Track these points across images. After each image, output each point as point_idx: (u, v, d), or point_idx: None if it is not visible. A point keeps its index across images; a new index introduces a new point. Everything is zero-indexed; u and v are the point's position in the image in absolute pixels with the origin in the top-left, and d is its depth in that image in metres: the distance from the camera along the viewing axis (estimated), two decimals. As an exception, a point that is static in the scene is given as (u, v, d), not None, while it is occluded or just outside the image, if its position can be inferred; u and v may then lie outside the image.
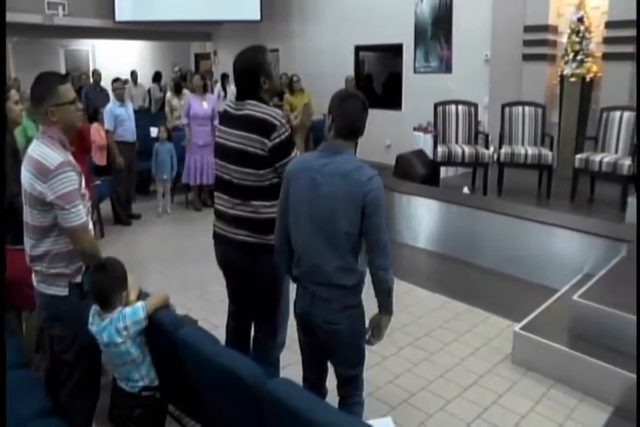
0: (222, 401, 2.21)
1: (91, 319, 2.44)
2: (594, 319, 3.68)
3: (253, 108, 2.64)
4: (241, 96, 2.74)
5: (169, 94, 9.23)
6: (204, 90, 7.35)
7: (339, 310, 2.33)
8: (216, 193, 2.86)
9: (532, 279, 4.99)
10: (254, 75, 2.67)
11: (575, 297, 3.84)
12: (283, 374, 3.11)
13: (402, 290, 4.91)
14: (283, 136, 2.58)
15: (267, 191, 2.64)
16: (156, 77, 12.93)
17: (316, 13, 11.16)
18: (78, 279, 2.53)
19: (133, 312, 2.38)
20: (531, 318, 3.95)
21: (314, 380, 2.61)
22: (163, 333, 2.36)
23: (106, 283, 2.41)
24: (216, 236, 2.87)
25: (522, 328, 3.82)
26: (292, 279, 2.55)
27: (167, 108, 9.00)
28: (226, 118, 2.77)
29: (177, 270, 5.40)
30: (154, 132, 7.94)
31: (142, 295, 2.60)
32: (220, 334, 3.02)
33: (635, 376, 3.18)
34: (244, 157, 2.62)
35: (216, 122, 6.79)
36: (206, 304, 4.37)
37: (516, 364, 3.76)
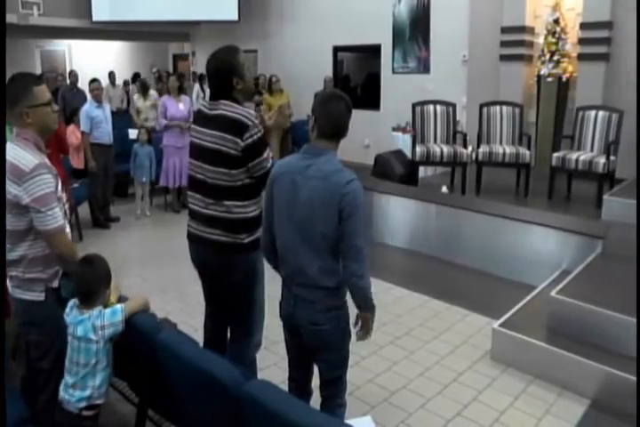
0: (201, 404, 2.20)
1: (68, 310, 2.40)
2: (571, 315, 3.73)
3: (227, 109, 2.66)
4: (214, 96, 2.75)
5: (135, 96, 9.12)
6: (180, 91, 7.30)
7: (322, 311, 2.34)
8: (190, 193, 2.86)
9: (510, 277, 5.03)
10: (227, 75, 2.68)
11: (553, 294, 3.88)
12: (263, 375, 3.08)
13: (381, 289, 4.93)
14: (255, 136, 2.60)
15: (239, 191, 2.66)
16: (135, 78, 12.82)
17: (295, 14, 11.15)
18: (55, 284, 2.49)
19: (112, 313, 2.35)
20: (509, 315, 3.97)
21: (299, 380, 2.62)
22: (141, 337, 2.34)
23: (92, 277, 2.37)
24: (190, 236, 2.88)
25: (501, 325, 3.85)
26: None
27: (132, 110, 8.91)
28: (200, 118, 2.79)
29: (156, 273, 5.36)
30: (132, 133, 7.87)
31: (121, 299, 2.58)
32: (200, 337, 3.04)
33: (610, 369, 3.26)
34: (218, 156, 2.63)
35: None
36: (186, 307, 4.35)
37: (495, 360, 3.79)
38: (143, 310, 2.48)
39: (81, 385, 2.38)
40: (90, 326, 2.31)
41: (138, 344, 2.39)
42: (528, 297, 4.27)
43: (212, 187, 2.68)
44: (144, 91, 8.75)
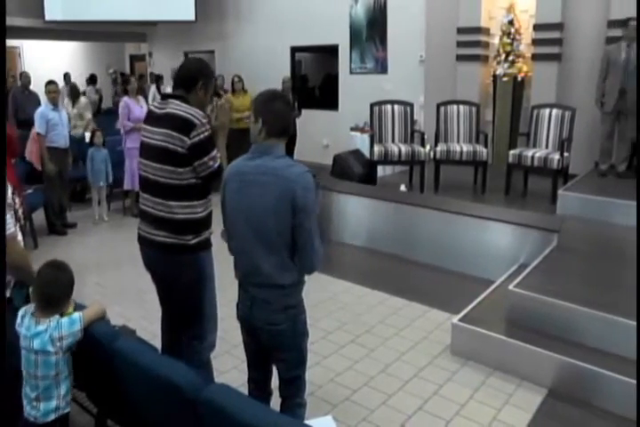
0: (161, 411, 2.17)
1: (19, 320, 2.28)
2: (529, 308, 3.78)
3: (175, 107, 2.67)
4: (165, 96, 2.81)
5: (65, 100, 8.81)
6: (139, 91, 7.19)
7: (279, 310, 2.34)
8: (141, 193, 2.86)
9: (469, 272, 5.08)
10: (195, 76, 2.74)
11: (510, 287, 3.93)
12: (223, 379, 3.10)
13: (341, 288, 4.95)
14: (202, 135, 2.62)
15: (186, 191, 2.66)
16: (91, 80, 12.57)
17: (252, 14, 11.10)
18: (7, 294, 2.39)
19: (71, 323, 2.25)
20: (468, 310, 4.01)
21: (259, 381, 2.61)
22: (98, 346, 2.28)
23: (59, 282, 2.28)
24: (140, 238, 2.87)
25: (460, 320, 3.88)
26: None
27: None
28: (150, 117, 2.81)
29: (115, 279, 5.25)
30: (88, 137, 7.69)
31: (78, 307, 2.49)
32: (159, 342, 3.02)
33: (566, 358, 3.33)
34: (165, 154, 2.64)
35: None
36: (145, 313, 4.28)
37: (455, 355, 3.82)
38: (100, 318, 2.40)
39: (45, 397, 2.28)
40: (47, 339, 2.21)
41: (95, 353, 2.32)
42: (486, 292, 4.32)
43: (160, 185, 2.69)
44: (74, 96, 8.51)
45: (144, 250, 2.88)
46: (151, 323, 3.80)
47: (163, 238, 2.72)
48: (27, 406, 2.30)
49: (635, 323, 3.35)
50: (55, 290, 2.27)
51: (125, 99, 7.10)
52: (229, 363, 3.38)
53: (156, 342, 2.82)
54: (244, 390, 2.59)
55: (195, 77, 2.74)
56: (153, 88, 11.19)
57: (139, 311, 4.39)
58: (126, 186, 7.17)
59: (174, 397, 1.96)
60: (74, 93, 8.56)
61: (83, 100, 8.70)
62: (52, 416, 2.29)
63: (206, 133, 2.64)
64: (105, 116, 11.06)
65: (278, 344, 2.42)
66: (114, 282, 5.19)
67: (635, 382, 3.05)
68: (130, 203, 7.40)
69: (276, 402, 2.58)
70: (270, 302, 2.33)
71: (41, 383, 2.26)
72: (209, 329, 2.92)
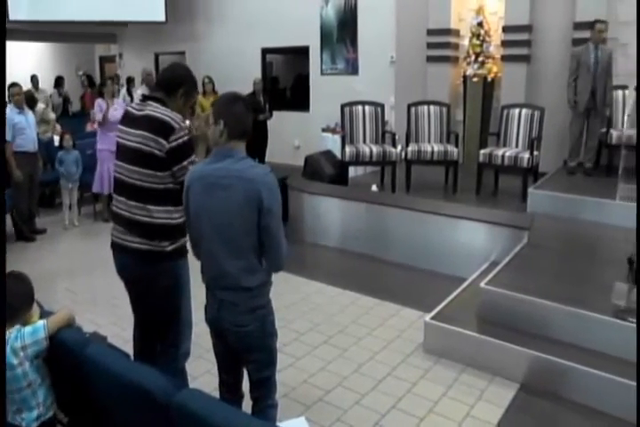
0: (133, 418, 2.15)
1: None
2: (500, 304, 3.80)
3: (154, 110, 2.64)
4: (145, 97, 2.76)
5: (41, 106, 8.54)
6: (112, 95, 7.08)
7: (246, 312, 2.34)
8: (114, 195, 2.81)
9: (441, 270, 5.09)
10: (180, 82, 2.72)
11: (482, 284, 3.96)
12: (196, 383, 3.07)
13: (314, 289, 4.92)
14: (180, 140, 2.58)
15: (162, 195, 2.63)
16: (58, 82, 12.36)
17: (222, 15, 11.02)
18: None
19: (33, 331, 2.19)
20: (440, 308, 4.02)
21: (230, 384, 2.59)
22: (67, 353, 2.23)
23: (18, 292, 2.24)
24: (113, 245, 2.81)
25: (432, 318, 3.89)
26: None
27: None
28: (127, 119, 2.77)
29: (85, 286, 5.14)
30: (57, 140, 7.54)
31: (46, 314, 2.43)
32: (132, 349, 2.96)
33: (537, 352, 3.36)
34: (140, 156, 2.60)
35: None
36: (117, 319, 4.22)
37: (428, 353, 3.82)
38: (68, 325, 2.34)
39: (26, 407, 2.24)
40: (9, 351, 2.14)
41: (64, 361, 2.27)
42: (458, 289, 4.33)
43: (135, 188, 2.64)
44: (30, 105, 8.33)
45: (118, 256, 2.81)
46: (123, 329, 3.78)
47: (138, 245, 2.66)
48: (11, 418, 2.26)
49: (600, 315, 3.43)
50: (13, 301, 2.22)
51: (99, 100, 7.00)
52: (202, 367, 3.35)
53: (129, 348, 2.77)
54: (217, 394, 2.58)
55: (178, 83, 2.71)
56: (123, 90, 11.05)
57: (110, 318, 4.32)
58: (95, 188, 7.04)
59: (146, 402, 1.94)
60: (30, 100, 8.33)
61: (40, 105, 8.49)
62: (35, 425, 2.26)
63: (185, 138, 2.61)
64: (74, 120, 10.89)
65: (247, 346, 2.41)
66: (85, 288, 5.08)
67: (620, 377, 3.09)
68: (101, 207, 7.27)
69: (247, 405, 2.55)
70: (238, 304, 2.33)
71: (17, 396, 2.21)
72: (184, 337, 2.89)
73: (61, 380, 2.36)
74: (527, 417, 3.18)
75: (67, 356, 2.24)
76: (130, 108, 2.79)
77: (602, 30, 6.10)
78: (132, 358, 2.84)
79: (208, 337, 2.53)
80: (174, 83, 2.72)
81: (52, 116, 8.51)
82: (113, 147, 6.61)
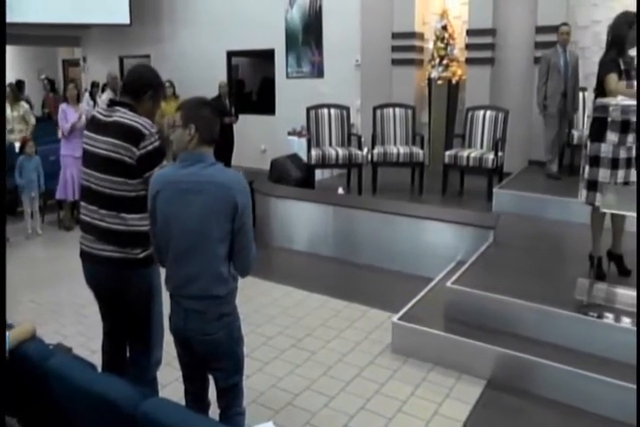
0: None
1: None
2: (466, 303, 3.83)
3: (123, 115, 2.58)
4: (113, 102, 2.70)
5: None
6: (78, 99, 6.97)
7: (213, 320, 2.30)
8: (82, 203, 2.74)
9: (408, 271, 5.10)
10: (145, 84, 2.66)
11: (448, 284, 3.98)
12: (165, 392, 3.02)
13: (281, 293, 4.89)
14: (151, 146, 2.53)
15: (134, 202, 2.57)
16: (18, 86, 12.10)
17: (187, 18, 10.96)
18: None
19: None
20: (407, 308, 4.02)
21: (196, 393, 2.55)
22: (30, 366, 2.16)
23: None
24: (82, 254, 2.74)
25: (399, 319, 3.89)
26: None
27: None
28: (94, 125, 2.69)
29: (50, 296, 5.00)
30: (18, 146, 7.34)
31: (7, 327, 2.34)
32: (99, 358, 2.90)
33: (503, 349, 3.40)
34: (110, 164, 2.54)
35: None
36: (84, 329, 4.13)
37: (395, 353, 3.82)
38: (30, 338, 2.27)
39: None
40: None
41: (26, 374, 2.20)
42: (425, 289, 4.34)
43: (107, 197, 2.58)
44: (15, 98, 8.16)
45: (88, 266, 2.74)
46: (90, 339, 3.71)
47: (109, 253, 2.60)
48: None
49: (563, 311, 3.49)
50: None
51: (63, 105, 6.87)
52: (171, 375, 3.26)
53: (95, 358, 2.71)
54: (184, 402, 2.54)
55: (145, 85, 2.64)
56: (86, 96, 10.87)
57: (77, 328, 4.24)
58: (59, 195, 6.89)
59: (112, 413, 1.89)
60: (15, 95, 8.18)
61: (24, 104, 8.32)
62: None
63: (156, 144, 2.55)
64: (36, 125, 10.65)
65: (215, 354, 2.37)
66: (50, 299, 4.94)
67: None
68: (64, 215, 7.12)
69: (214, 413, 2.52)
70: (204, 313, 2.29)
71: None
72: (156, 345, 2.83)
73: (24, 394, 2.29)
74: (494, 413, 3.21)
75: (29, 368, 2.17)
76: (97, 114, 2.72)
77: (567, 32, 6.20)
78: (101, 368, 2.81)
79: (176, 344, 2.50)
80: (141, 86, 2.65)
81: (33, 120, 8.30)
82: (76, 152, 6.63)
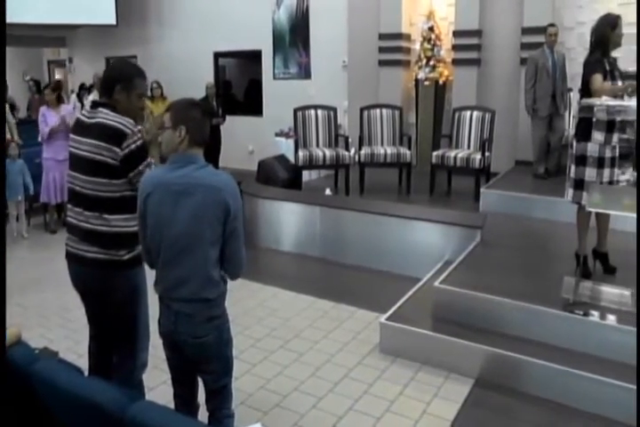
0: None
1: None
2: (454, 302, 3.84)
3: (105, 117, 2.56)
4: (95, 104, 2.68)
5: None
6: (59, 102, 6.88)
7: (203, 322, 2.29)
8: (69, 206, 2.73)
9: (396, 271, 5.10)
10: (112, 80, 2.63)
11: (436, 284, 3.98)
12: (153, 394, 3.00)
13: (269, 294, 4.87)
14: (134, 145, 2.51)
15: (119, 203, 2.56)
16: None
17: (174, 19, 10.92)
18: None
19: None
20: (395, 308, 4.03)
21: (185, 396, 2.54)
22: (15, 371, 2.13)
23: None
24: (68, 255, 2.73)
25: (387, 319, 3.89)
26: None
27: None
28: (78, 127, 2.68)
29: (37, 300, 4.95)
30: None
31: None
32: (86, 362, 2.88)
33: (491, 348, 3.41)
34: (94, 165, 2.53)
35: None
36: (70, 333, 4.09)
37: (384, 353, 3.82)
38: (15, 342, 2.24)
39: None
40: None
41: (11, 380, 2.15)
42: (413, 289, 4.34)
43: (91, 199, 2.57)
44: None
45: (73, 267, 2.72)
46: (76, 343, 3.67)
47: (94, 255, 2.59)
48: None
49: (550, 309, 3.50)
50: None
51: (43, 109, 6.82)
52: (158, 378, 3.26)
53: (82, 361, 2.69)
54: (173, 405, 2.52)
55: (112, 81, 2.62)
56: (73, 97, 10.80)
57: (63, 331, 4.20)
58: (42, 198, 6.83)
59: (99, 417, 1.87)
60: None
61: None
62: None
63: (138, 143, 2.54)
64: (21, 127, 10.56)
65: (205, 356, 2.37)
66: (36, 302, 4.89)
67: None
68: (49, 218, 7.06)
69: (203, 416, 2.51)
70: (194, 316, 2.28)
71: None
72: (142, 347, 2.82)
73: (9, 400, 2.23)
74: (482, 411, 3.21)
75: (14, 374, 2.13)
76: (80, 116, 2.70)
77: (555, 33, 6.24)
78: (88, 372, 2.79)
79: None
80: (110, 82, 2.63)
81: (12, 119, 8.22)
82: (59, 155, 6.55)
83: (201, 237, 2.21)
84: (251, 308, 4.55)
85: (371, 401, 3.28)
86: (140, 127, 2.63)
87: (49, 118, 6.64)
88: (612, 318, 3.40)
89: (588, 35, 4.05)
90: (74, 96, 10.83)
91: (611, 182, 3.70)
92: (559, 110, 6.27)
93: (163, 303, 2.36)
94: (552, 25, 6.31)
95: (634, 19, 6.45)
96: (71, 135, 2.69)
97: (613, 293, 3.70)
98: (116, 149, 2.48)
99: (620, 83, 3.82)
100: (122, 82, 2.62)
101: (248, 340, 4.00)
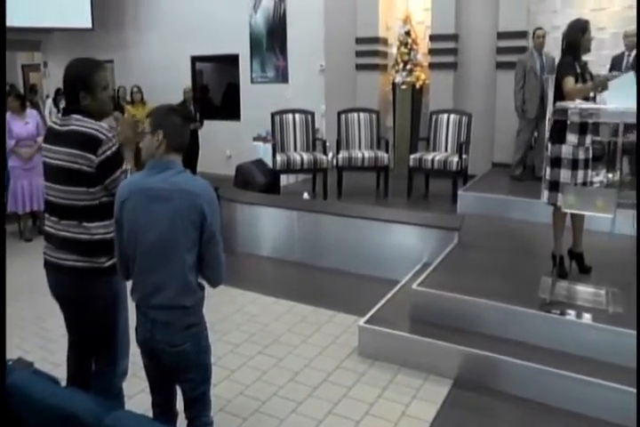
0: None
1: None
2: (432, 304, 3.84)
3: (78, 123, 2.50)
4: (66, 111, 2.61)
5: None
6: (23, 108, 6.75)
7: (181, 330, 2.27)
8: (45, 215, 2.69)
9: (375, 274, 5.09)
10: (74, 88, 2.55)
11: (414, 286, 3.98)
12: (132, 403, 2.96)
13: (247, 300, 4.84)
14: (109, 151, 2.47)
15: (97, 211, 2.52)
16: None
17: (151, 23, 10.87)
18: None
19: None
20: (374, 311, 4.02)
21: (163, 404, 2.51)
22: None
23: None
24: (46, 264, 2.68)
25: (366, 322, 3.88)
26: None
27: None
28: (50, 135, 2.62)
29: (11, 310, 4.78)
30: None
31: None
32: (63, 372, 2.83)
33: (468, 348, 3.43)
34: (69, 174, 2.48)
35: (40, 139, 6.27)
36: (46, 342, 4.02)
37: (362, 356, 3.80)
38: None
39: None
40: None
41: None
42: (391, 292, 4.34)
43: (68, 208, 2.53)
44: None
45: (52, 276, 2.67)
46: (52, 353, 3.61)
47: (73, 262, 2.55)
48: None
49: (527, 309, 3.54)
50: None
51: (7, 116, 6.68)
52: (137, 386, 3.19)
53: (59, 371, 2.64)
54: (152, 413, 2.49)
55: (74, 88, 2.53)
56: (49, 102, 10.68)
57: (39, 342, 4.12)
58: (10, 208, 6.67)
59: None
60: None
61: None
62: None
63: (114, 148, 2.49)
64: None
65: (183, 364, 2.34)
66: (11, 312, 4.73)
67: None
68: (23, 226, 6.94)
69: (182, 423, 2.47)
70: (172, 323, 2.25)
71: None
72: (122, 355, 2.78)
73: None
74: (461, 411, 3.22)
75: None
76: (52, 124, 2.64)
77: (542, 36, 6.32)
78: (67, 380, 2.75)
79: (142, 354, 2.46)
80: (71, 91, 2.56)
81: None
82: (25, 164, 6.41)
83: (177, 243, 2.19)
84: (229, 314, 4.52)
85: (350, 405, 3.27)
86: (113, 133, 2.60)
87: (14, 126, 6.50)
88: (587, 317, 3.45)
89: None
90: (49, 101, 10.71)
91: (585, 184, 3.75)
92: (546, 112, 6.31)
93: (140, 311, 2.33)
94: (540, 28, 6.41)
95: (604, 24, 6.63)
96: (44, 145, 2.63)
97: (589, 292, 3.74)
98: (92, 156, 2.44)
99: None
100: (83, 86, 2.53)
101: (227, 346, 3.96)
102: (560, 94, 3.84)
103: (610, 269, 3.67)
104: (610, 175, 4.06)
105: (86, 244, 2.54)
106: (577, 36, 3.86)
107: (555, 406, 3.18)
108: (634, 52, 5.89)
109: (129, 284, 2.43)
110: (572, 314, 3.49)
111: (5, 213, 5.78)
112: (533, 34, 6.39)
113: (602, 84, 3.71)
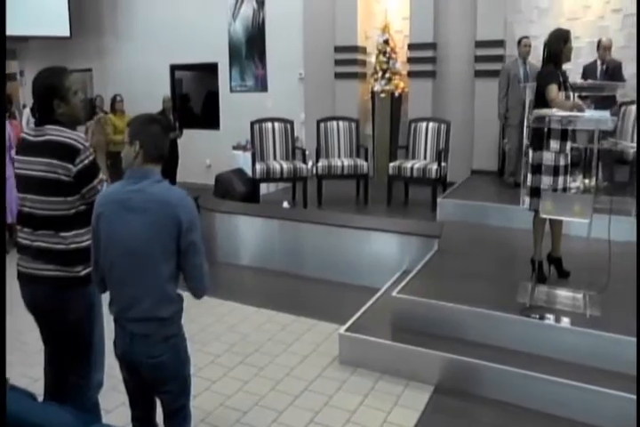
0: None
1: None
2: (412, 311, 3.85)
3: (54, 133, 2.48)
4: (39, 121, 2.58)
5: None
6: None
7: (159, 342, 2.24)
8: (18, 226, 2.66)
9: (356, 282, 5.09)
10: (47, 97, 2.52)
11: (394, 294, 3.99)
12: (111, 417, 2.92)
13: (227, 310, 4.81)
14: (87, 160, 2.46)
15: (73, 220, 2.50)
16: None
17: (129, 31, 10.79)
18: None
19: None
20: (354, 319, 4.02)
21: (143, 418, 2.47)
22: None
23: None
24: (20, 276, 2.64)
25: (347, 330, 3.88)
26: None
27: None
28: (24, 147, 2.58)
29: None
30: None
31: None
32: (41, 387, 2.77)
33: (449, 354, 3.43)
34: (46, 184, 2.46)
35: (13, 151, 6.26)
36: (24, 356, 3.93)
37: (344, 364, 3.79)
38: None
39: None
40: None
41: None
42: (372, 300, 4.35)
43: (45, 218, 2.50)
44: None
45: (27, 287, 2.63)
46: (31, 367, 3.53)
47: (49, 272, 2.52)
48: None
49: (507, 314, 3.56)
50: None
51: None
52: (116, 400, 3.15)
53: (37, 386, 2.59)
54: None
55: (46, 98, 2.51)
56: (26, 112, 10.53)
57: (16, 356, 4.00)
58: None
59: None
60: None
61: None
62: None
63: (91, 158, 2.48)
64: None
65: (162, 376, 2.30)
66: None
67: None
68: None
69: None
70: (150, 335, 2.22)
71: None
72: (97, 366, 2.74)
73: None
74: (442, 417, 3.23)
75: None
76: (26, 136, 2.60)
77: (528, 44, 6.42)
78: (44, 394, 2.70)
79: (121, 367, 2.41)
80: (43, 101, 2.53)
81: None
82: None
83: (152, 254, 2.17)
84: (209, 324, 4.48)
85: (331, 413, 3.25)
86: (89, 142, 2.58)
87: None
88: (566, 321, 3.49)
89: (540, 48, 4.17)
90: (27, 111, 10.57)
91: (564, 189, 3.80)
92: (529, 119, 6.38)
93: (118, 324, 2.30)
94: (526, 37, 6.51)
95: (579, 33, 6.73)
96: (17, 156, 2.59)
97: (567, 296, 3.78)
98: (69, 165, 2.42)
99: (571, 93, 3.93)
100: (55, 95, 2.52)
101: (207, 356, 3.93)
102: (543, 101, 3.87)
103: (587, 273, 3.71)
104: (586, 181, 4.11)
105: (62, 253, 2.51)
106: (559, 45, 3.91)
107: (534, 408, 3.21)
108: (605, 65, 6.17)
109: (105, 296, 2.39)
110: (550, 318, 3.51)
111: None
112: (519, 42, 6.48)
113: (578, 108, 3.76)
